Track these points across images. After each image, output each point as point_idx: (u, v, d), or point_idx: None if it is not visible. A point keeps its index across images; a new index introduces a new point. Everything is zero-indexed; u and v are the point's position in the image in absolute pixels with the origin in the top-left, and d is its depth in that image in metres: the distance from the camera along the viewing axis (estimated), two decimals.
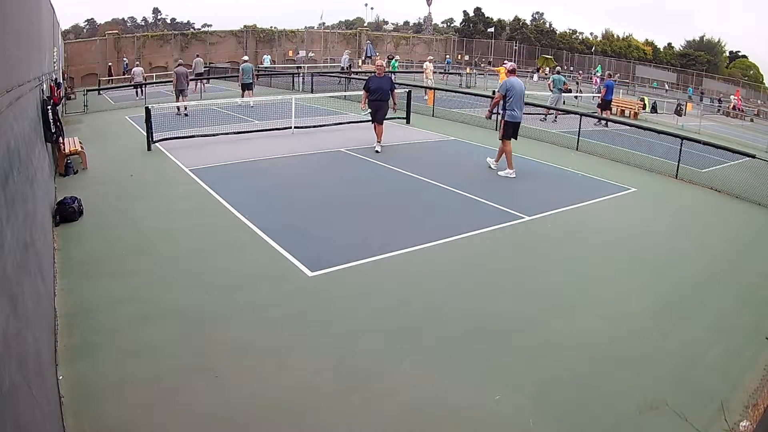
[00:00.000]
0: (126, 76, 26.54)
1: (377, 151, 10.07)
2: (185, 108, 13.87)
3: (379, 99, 10.11)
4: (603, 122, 15.39)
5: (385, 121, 10.37)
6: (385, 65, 10.68)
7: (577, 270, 5.38)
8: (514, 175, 8.55)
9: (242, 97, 15.54)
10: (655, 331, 4.22)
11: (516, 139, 8.86)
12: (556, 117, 15.93)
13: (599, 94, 20.37)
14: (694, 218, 7.63)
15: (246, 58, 20.38)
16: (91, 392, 3.17)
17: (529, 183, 8.61)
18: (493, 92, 17.31)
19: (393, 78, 10.92)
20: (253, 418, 3.05)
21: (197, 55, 24.30)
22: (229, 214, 6.43)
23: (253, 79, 17.12)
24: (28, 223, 3.26)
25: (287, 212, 6.72)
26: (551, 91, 16.28)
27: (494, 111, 9.67)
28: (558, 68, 23.54)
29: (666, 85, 41.97)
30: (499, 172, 8.72)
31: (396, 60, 33.32)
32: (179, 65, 15.57)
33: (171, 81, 15.86)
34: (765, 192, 8.48)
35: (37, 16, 5.58)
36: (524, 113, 15.08)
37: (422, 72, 23.80)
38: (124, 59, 30.70)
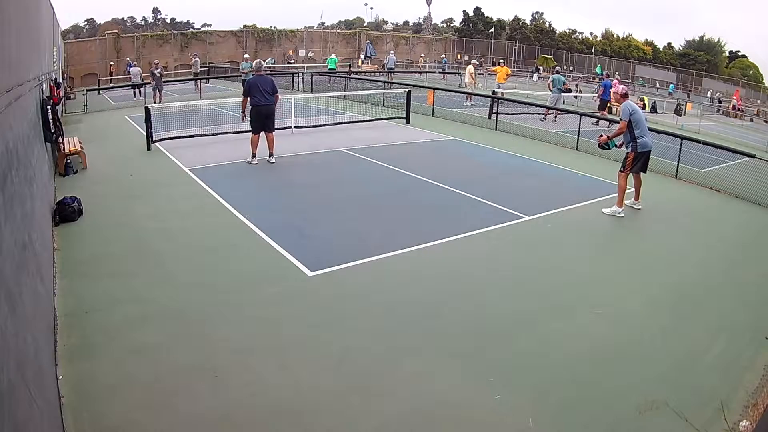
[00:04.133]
0: (127, 75, 26.55)
1: (268, 162, 9.04)
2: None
3: (264, 103, 8.96)
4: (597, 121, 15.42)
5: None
6: (263, 64, 8.90)
7: (577, 270, 5.37)
8: (623, 215, 7.08)
9: None
10: (654, 331, 4.22)
11: (645, 172, 7.37)
12: (555, 117, 15.93)
13: (597, 94, 20.35)
14: (694, 218, 7.63)
15: (247, 56, 21.06)
16: (91, 392, 3.17)
17: (529, 183, 8.61)
18: (493, 92, 17.30)
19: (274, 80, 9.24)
20: (253, 418, 3.04)
21: (195, 55, 24.47)
22: (229, 214, 6.43)
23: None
24: (27, 223, 3.26)
25: (287, 212, 6.72)
26: (551, 91, 16.29)
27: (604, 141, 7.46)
28: (557, 68, 23.52)
29: (656, 83, 41.83)
30: (604, 210, 7.19)
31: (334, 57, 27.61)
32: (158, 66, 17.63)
33: (172, 80, 16.07)
34: (765, 192, 8.48)
35: (36, 16, 5.58)
36: (524, 113, 15.25)
37: (464, 74, 21.69)
38: (127, 60, 30.66)
